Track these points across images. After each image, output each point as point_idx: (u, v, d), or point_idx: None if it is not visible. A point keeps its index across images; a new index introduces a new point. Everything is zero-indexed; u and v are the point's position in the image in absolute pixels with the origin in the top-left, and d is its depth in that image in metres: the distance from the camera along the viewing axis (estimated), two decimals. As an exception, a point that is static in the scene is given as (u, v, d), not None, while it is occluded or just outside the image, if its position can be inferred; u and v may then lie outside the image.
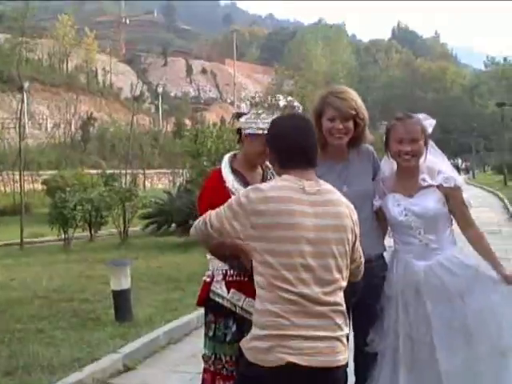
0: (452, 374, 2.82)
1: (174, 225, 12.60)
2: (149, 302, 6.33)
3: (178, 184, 19.41)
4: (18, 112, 20.87)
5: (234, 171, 2.88)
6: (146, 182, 30.17)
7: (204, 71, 76.18)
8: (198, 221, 2.49)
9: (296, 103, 2.89)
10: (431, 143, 3.10)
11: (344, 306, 2.28)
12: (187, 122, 40.97)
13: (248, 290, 2.66)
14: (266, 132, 2.61)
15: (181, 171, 20.50)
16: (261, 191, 2.28)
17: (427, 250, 2.97)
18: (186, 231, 6.20)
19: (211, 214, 2.40)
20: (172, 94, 65.40)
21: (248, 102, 2.94)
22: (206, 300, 2.86)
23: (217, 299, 2.81)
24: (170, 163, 29.10)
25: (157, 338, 5.30)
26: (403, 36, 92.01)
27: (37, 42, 43.42)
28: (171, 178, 29.39)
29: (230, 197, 2.56)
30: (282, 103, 2.85)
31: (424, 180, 2.99)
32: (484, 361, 2.85)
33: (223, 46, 77.93)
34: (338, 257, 2.25)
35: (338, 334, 2.21)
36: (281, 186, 2.29)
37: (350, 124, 3.00)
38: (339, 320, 2.23)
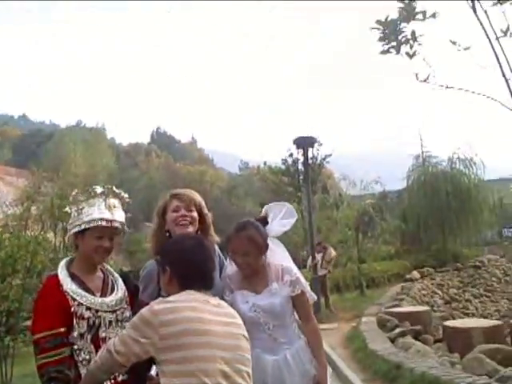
0: None
1: None
2: None
3: None
4: None
5: (72, 275, 2.79)
6: None
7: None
8: (98, 355, 2.45)
9: (114, 188, 2.95)
10: (273, 239, 3.29)
11: None
12: None
13: None
14: (97, 224, 2.75)
15: None
16: (167, 302, 2.32)
17: (275, 343, 3.14)
18: None
19: (114, 341, 2.36)
20: None
21: (73, 208, 2.89)
22: None
23: None
24: None
25: None
26: (162, 140, 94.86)
27: None
28: None
29: (68, 301, 2.63)
30: (99, 190, 2.88)
31: (272, 286, 3.16)
32: None
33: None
34: (246, 363, 2.35)
35: None
36: (187, 297, 2.35)
37: (195, 214, 3.13)
38: None
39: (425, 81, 3.60)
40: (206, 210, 3.25)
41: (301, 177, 23.32)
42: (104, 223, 2.83)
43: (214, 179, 65.16)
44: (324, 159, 25.00)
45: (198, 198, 3.21)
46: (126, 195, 3.05)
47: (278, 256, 3.33)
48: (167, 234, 3.18)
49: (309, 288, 3.35)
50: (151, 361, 2.86)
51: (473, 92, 3.41)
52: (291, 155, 24.02)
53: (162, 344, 2.21)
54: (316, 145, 21.38)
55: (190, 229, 3.09)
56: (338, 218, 19.78)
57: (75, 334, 2.67)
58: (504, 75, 3.21)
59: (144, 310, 2.35)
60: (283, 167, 25.28)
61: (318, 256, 15.60)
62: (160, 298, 2.50)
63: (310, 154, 17.65)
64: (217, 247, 3.33)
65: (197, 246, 2.50)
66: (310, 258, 15.66)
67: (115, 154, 73.86)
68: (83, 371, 2.63)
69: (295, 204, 25.27)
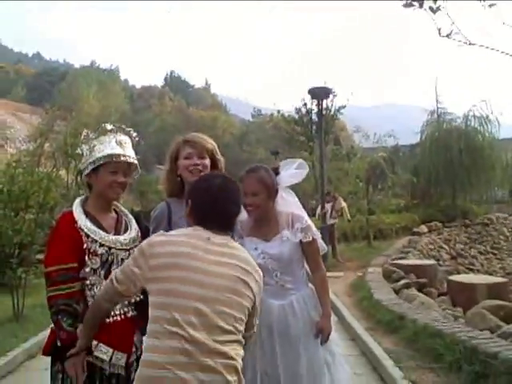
0: None
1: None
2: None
3: None
4: None
5: (86, 213, 2.82)
6: None
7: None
8: (105, 283, 2.53)
9: (124, 126, 3.00)
10: (285, 188, 3.36)
11: (239, 361, 2.23)
12: None
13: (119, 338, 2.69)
14: (111, 159, 2.80)
15: None
16: (163, 235, 2.41)
17: (283, 290, 3.21)
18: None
19: (116, 271, 2.43)
20: None
21: (84, 147, 2.91)
22: (52, 348, 2.68)
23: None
24: None
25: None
26: (176, 84, 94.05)
27: None
28: None
29: (81, 237, 2.70)
30: (108, 127, 2.91)
31: (284, 234, 3.20)
32: None
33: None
34: (235, 307, 2.24)
35: None
36: (187, 232, 2.40)
37: (207, 161, 3.15)
38: (230, 376, 2.14)
39: (447, 36, 3.51)
40: (218, 156, 3.26)
41: (314, 127, 23.17)
42: (116, 158, 2.85)
43: (227, 125, 64.93)
44: (338, 110, 24.78)
45: (210, 144, 3.21)
46: (135, 134, 3.06)
47: (290, 205, 3.36)
48: (179, 179, 3.22)
49: (320, 237, 3.40)
50: None
51: (495, 50, 3.33)
52: (305, 105, 23.84)
53: (150, 274, 2.24)
54: (331, 96, 21.19)
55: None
56: (349, 170, 19.70)
57: (87, 269, 2.72)
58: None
59: (144, 242, 2.41)
60: (296, 116, 25.10)
61: (328, 206, 15.66)
62: (161, 231, 2.57)
63: (324, 105, 17.49)
64: None
65: (221, 185, 2.48)
66: (320, 207, 15.73)
67: (128, 95, 73.55)
68: None
69: (307, 154, 25.30)
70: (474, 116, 27.95)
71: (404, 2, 4.00)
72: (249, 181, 3.20)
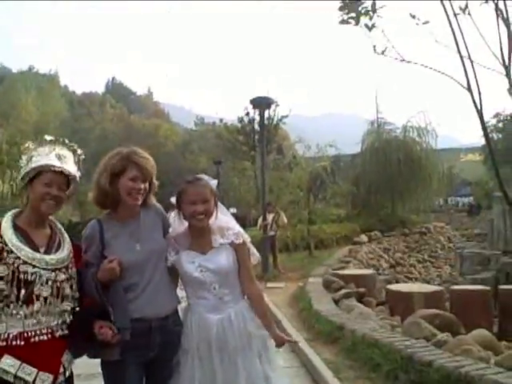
0: None
1: None
2: None
3: None
4: None
5: (17, 228, 2.73)
6: None
7: None
8: None
9: (67, 141, 2.94)
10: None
11: None
12: None
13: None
14: (46, 169, 2.75)
15: None
16: None
17: (221, 303, 3.18)
18: None
19: None
20: None
21: (23, 157, 2.85)
22: None
23: None
24: None
25: None
26: (117, 91, 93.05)
27: None
28: None
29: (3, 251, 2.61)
30: (48, 138, 2.87)
31: (216, 240, 3.22)
32: None
33: None
34: None
35: None
36: None
37: (147, 185, 3.12)
38: None
39: (382, 53, 3.58)
40: (154, 179, 3.22)
41: (256, 136, 23.30)
42: (52, 168, 2.77)
43: (169, 133, 64.43)
44: (280, 120, 25.02)
45: (154, 168, 3.17)
46: (80, 151, 2.99)
47: (224, 219, 3.36)
48: (115, 193, 3.11)
49: (253, 247, 3.40)
50: (93, 316, 2.85)
51: (427, 67, 3.42)
52: (247, 114, 23.97)
53: None
54: (273, 106, 21.35)
55: (140, 201, 3.10)
56: (290, 179, 19.86)
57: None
58: (459, 51, 3.23)
59: None
60: (239, 126, 25.20)
61: (269, 217, 15.71)
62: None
63: (266, 115, 17.57)
64: (159, 205, 3.33)
65: None
66: (261, 217, 15.76)
67: (68, 102, 72.17)
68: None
69: (249, 163, 25.36)
70: (413, 127, 28.76)
71: (340, 19, 4.06)
72: (198, 189, 3.20)
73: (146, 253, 3.05)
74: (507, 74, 3.22)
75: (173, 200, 3.33)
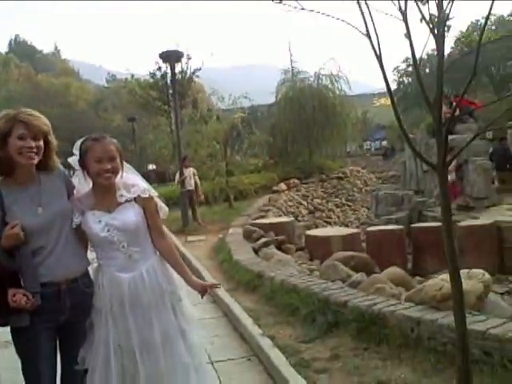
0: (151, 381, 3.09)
1: None
2: None
3: None
4: None
5: None
6: None
7: None
8: None
9: None
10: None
11: None
12: None
13: None
14: None
15: None
16: None
17: (131, 261, 3.15)
18: None
19: None
20: None
21: None
22: None
23: None
24: None
25: None
26: (22, 50, 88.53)
27: None
28: None
29: None
30: None
31: (122, 196, 3.18)
32: (178, 373, 3.16)
33: None
34: None
35: None
36: None
37: (41, 143, 3.00)
38: None
39: (280, 1, 3.52)
40: (52, 137, 3.10)
41: (170, 91, 22.89)
42: None
43: (80, 92, 62.33)
44: (194, 73, 24.62)
45: (45, 125, 3.03)
46: None
47: (130, 177, 3.31)
48: (7, 155, 2.97)
49: (161, 202, 3.39)
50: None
51: (324, 14, 3.41)
52: (159, 69, 23.42)
53: None
54: (184, 59, 20.95)
55: (36, 160, 2.97)
56: (206, 133, 19.71)
57: None
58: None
59: None
60: (151, 81, 24.65)
61: (186, 171, 15.61)
62: None
63: (178, 68, 17.24)
64: (62, 168, 3.23)
65: None
66: (178, 172, 15.65)
67: (-32, 63, 68.24)
68: None
69: (164, 118, 24.94)
70: (325, 75, 29.07)
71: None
72: (104, 147, 3.11)
73: (48, 216, 2.98)
74: (404, 19, 3.27)
75: (71, 160, 3.24)
